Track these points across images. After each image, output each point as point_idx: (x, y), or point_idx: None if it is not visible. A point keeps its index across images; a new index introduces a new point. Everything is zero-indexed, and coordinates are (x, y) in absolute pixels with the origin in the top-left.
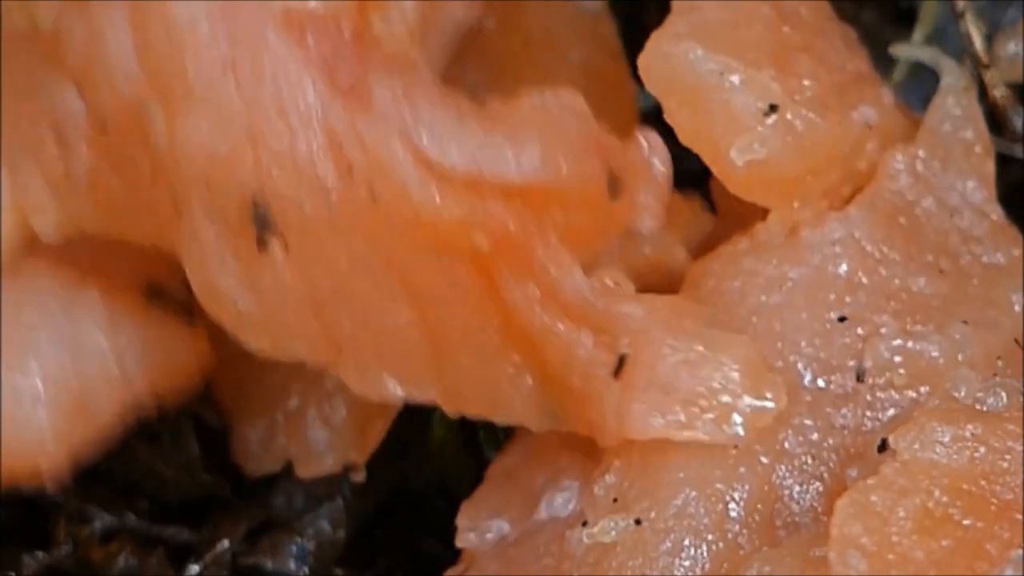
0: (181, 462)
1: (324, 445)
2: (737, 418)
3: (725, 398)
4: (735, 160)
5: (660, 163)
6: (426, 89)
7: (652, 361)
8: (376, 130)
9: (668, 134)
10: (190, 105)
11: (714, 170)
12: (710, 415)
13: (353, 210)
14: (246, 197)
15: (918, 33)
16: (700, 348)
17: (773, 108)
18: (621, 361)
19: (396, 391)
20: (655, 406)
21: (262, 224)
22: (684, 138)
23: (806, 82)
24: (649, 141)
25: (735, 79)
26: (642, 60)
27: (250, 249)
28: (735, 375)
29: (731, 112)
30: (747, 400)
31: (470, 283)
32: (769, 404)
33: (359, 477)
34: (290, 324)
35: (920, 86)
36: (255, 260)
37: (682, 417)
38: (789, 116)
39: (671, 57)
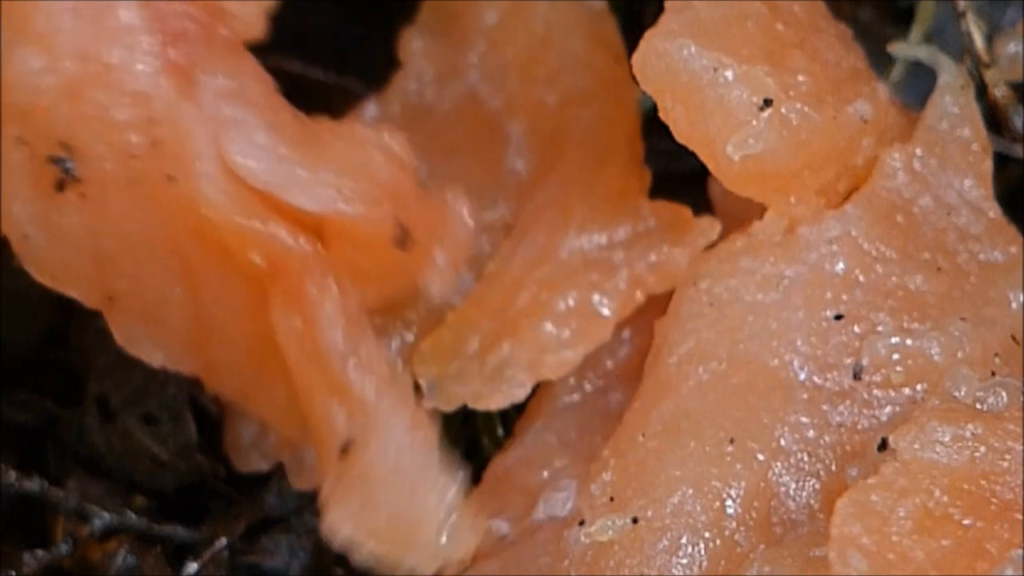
0: (178, 445)
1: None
2: (431, 552)
3: (424, 528)
4: (731, 155)
5: (459, 232)
6: (254, 94)
7: (372, 458)
8: (191, 117)
9: (668, 133)
10: (29, 37)
11: (710, 166)
12: (401, 543)
13: (150, 184)
14: (56, 139)
15: (916, 32)
16: (422, 466)
17: (768, 103)
18: (349, 442)
19: (156, 356)
20: (355, 511)
21: (64, 169)
22: (680, 135)
23: (800, 77)
24: (455, 204)
25: (729, 74)
26: (636, 58)
27: (48, 188)
28: (441, 504)
29: (726, 107)
30: (449, 528)
31: (243, 290)
32: (465, 547)
33: None
34: (70, 265)
35: (918, 85)
36: (50, 199)
37: (375, 537)
38: (784, 110)
39: (665, 54)
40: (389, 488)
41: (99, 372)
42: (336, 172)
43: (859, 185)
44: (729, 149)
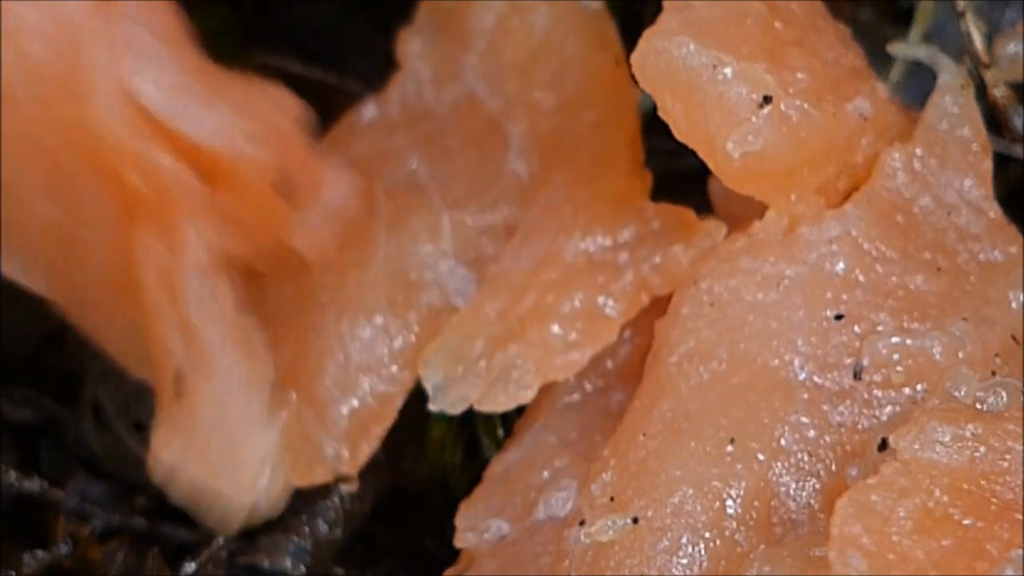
0: None
1: (317, 454)
2: (237, 506)
3: (234, 483)
4: (731, 153)
5: (337, 196)
6: (161, 25)
7: (199, 398)
8: (97, 34)
9: (669, 134)
10: None
11: (710, 164)
12: (210, 494)
13: (46, 95)
14: None
15: (915, 32)
16: (248, 408)
17: (767, 99)
18: (180, 375)
19: (18, 275)
20: (179, 442)
21: None
22: (680, 133)
23: (800, 75)
24: (336, 173)
25: (728, 71)
26: (635, 57)
27: None
28: (254, 460)
29: (725, 105)
30: (259, 489)
31: (117, 215)
32: (266, 503)
33: (351, 487)
34: None
35: (918, 85)
36: None
37: (194, 470)
38: (783, 107)
39: (664, 52)
40: (213, 425)
41: (93, 378)
42: (229, 108)
43: (859, 184)
44: (729, 146)
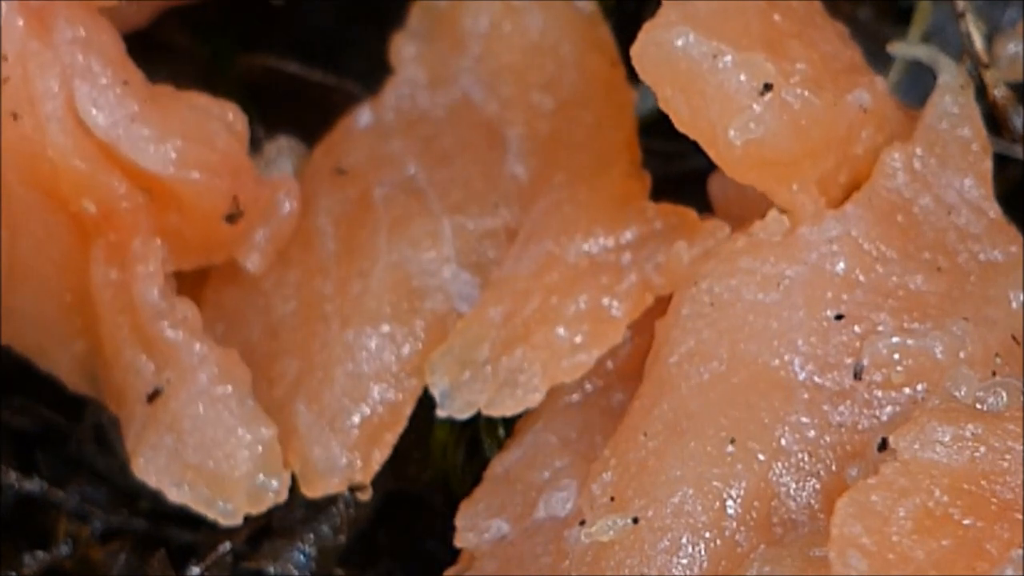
0: None
1: (330, 464)
2: (238, 495)
3: (235, 471)
4: (733, 141)
5: (287, 211)
6: (107, 49)
7: (181, 408)
8: (43, 58)
9: (666, 136)
10: None
11: (712, 154)
12: (210, 486)
13: None
14: None
15: (914, 31)
16: (231, 414)
17: (768, 87)
18: (156, 392)
19: None
20: (162, 457)
21: None
22: (681, 124)
23: (799, 65)
24: (285, 188)
25: (728, 60)
26: (635, 50)
27: None
28: (253, 448)
29: (726, 93)
30: (259, 479)
31: (64, 236)
32: (273, 488)
33: (365, 496)
34: None
35: (918, 85)
36: None
37: (182, 480)
38: (784, 95)
39: (664, 44)
40: (197, 438)
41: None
42: (180, 136)
43: (859, 178)
44: (731, 134)
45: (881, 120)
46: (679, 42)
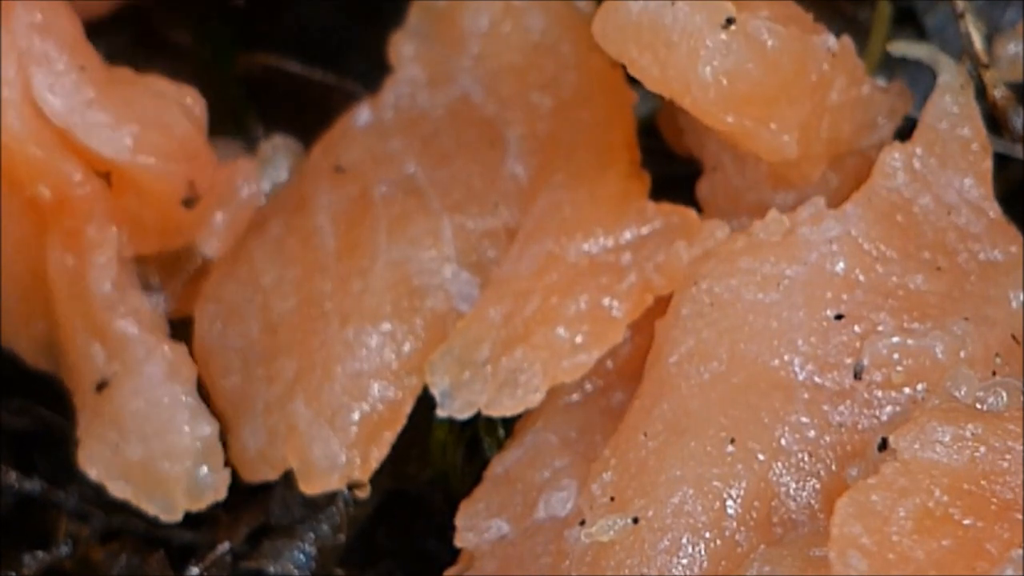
0: None
1: (329, 461)
2: (177, 492)
3: (174, 468)
4: (704, 77)
5: (247, 195)
6: (65, 34)
7: (125, 401)
8: (2, 41)
9: (660, 136)
10: None
11: (687, 104)
12: (149, 481)
13: None
14: None
15: (877, 29)
16: (173, 410)
17: (730, 21)
18: (104, 382)
19: None
20: (105, 450)
21: None
22: (653, 83)
23: (763, 12)
24: (243, 173)
25: (686, 6)
26: (595, 26)
27: None
28: (194, 444)
29: (690, 33)
30: (198, 475)
31: (22, 220)
32: (212, 485)
33: (364, 494)
34: None
35: (918, 85)
36: None
37: (123, 475)
38: (748, 28)
39: (622, 8)
40: (140, 430)
41: None
42: (136, 122)
43: (840, 137)
44: (700, 69)
45: (852, 68)
46: (637, 3)
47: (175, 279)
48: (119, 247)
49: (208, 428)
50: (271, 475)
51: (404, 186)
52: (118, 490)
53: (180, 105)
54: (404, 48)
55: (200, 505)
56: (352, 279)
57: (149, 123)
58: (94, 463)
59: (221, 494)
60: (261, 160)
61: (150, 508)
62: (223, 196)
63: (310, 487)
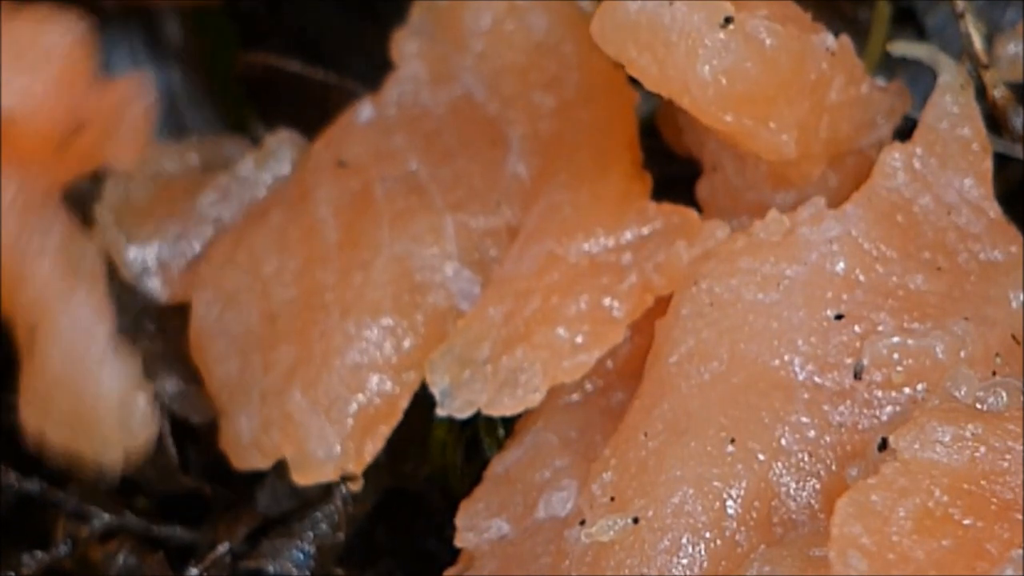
0: (160, 469)
1: (324, 452)
2: (110, 441)
3: (102, 405)
4: (703, 75)
5: (143, 104)
6: None
7: (46, 353)
8: None
9: (661, 145)
10: None
11: (686, 103)
12: (82, 424)
13: None
14: None
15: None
16: (96, 347)
17: (728, 20)
18: (33, 330)
19: None
20: (38, 404)
21: None
22: (652, 83)
23: (761, 11)
24: (132, 84)
25: (684, 6)
26: (594, 26)
27: None
28: (119, 382)
29: (689, 32)
30: (127, 408)
31: None
32: (141, 420)
33: (356, 487)
34: None
35: (918, 85)
36: None
37: (57, 429)
38: (746, 26)
39: (620, 8)
40: (64, 378)
41: None
42: (7, 67)
43: (839, 138)
44: (699, 69)
45: (851, 68)
46: (635, 3)
47: (172, 264)
48: (21, 185)
49: (129, 364)
50: (263, 464)
51: (406, 183)
52: (55, 439)
53: (56, 32)
54: (407, 46)
55: (135, 442)
56: (354, 272)
57: (20, 63)
58: (30, 421)
59: (154, 428)
60: (266, 153)
61: (89, 452)
62: (119, 111)
63: (303, 477)
